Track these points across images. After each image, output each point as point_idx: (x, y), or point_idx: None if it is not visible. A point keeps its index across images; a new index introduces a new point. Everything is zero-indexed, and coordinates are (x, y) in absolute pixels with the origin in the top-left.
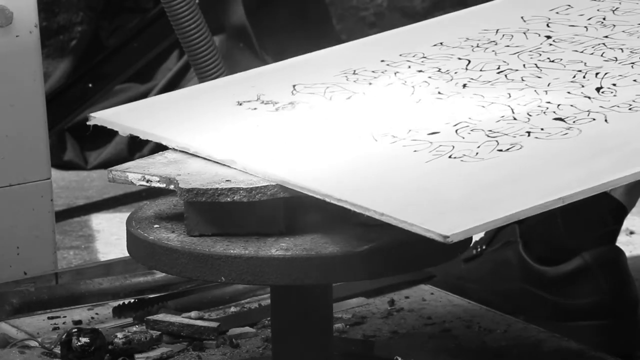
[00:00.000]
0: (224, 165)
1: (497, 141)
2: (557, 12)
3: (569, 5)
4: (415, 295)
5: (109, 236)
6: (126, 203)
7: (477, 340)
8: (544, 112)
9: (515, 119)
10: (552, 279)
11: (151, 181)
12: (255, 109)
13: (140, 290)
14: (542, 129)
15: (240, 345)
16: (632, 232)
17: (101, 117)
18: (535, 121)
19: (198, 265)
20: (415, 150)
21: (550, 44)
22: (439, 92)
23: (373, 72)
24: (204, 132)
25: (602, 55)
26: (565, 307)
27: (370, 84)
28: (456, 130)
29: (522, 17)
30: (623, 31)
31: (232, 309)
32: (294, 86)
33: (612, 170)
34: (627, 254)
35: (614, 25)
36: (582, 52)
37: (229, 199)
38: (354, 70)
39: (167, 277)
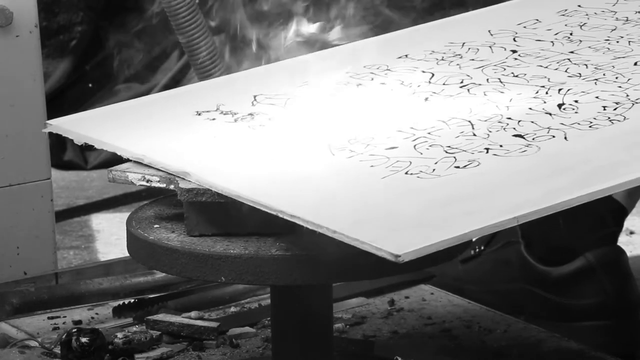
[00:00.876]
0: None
1: (455, 157)
2: (524, 27)
3: (537, 20)
4: (415, 295)
5: (109, 236)
6: (126, 203)
7: (477, 340)
8: (504, 129)
9: (474, 134)
10: (555, 280)
11: (151, 181)
12: (214, 119)
13: (140, 290)
14: (500, 146)
15: (240, 345)
16: (632, 232)
17: (57, 124)
18: (494, 137)
19: (198, 265)
20: (372, 166)
21: (516, 59)
22: (399, 106)
23: (336, 84)
24: (161, 143)
25: (566, 71)
26: (567, 308)
27: (331, 95)
28: (414, 146)
29: (489, 31)
30: (589, 47)
31: (232, 309)
32: (254, 97)
33: (570, 189)
34: (628, 254)
35: (581, 41)
36: (546, 67)
37: (229, 199)
38: (316, 81)
39: (167, 277)
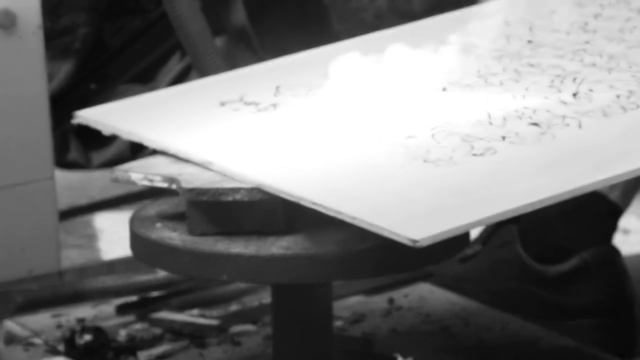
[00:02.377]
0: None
1: (472, 145)
2: (540, 17)
3: (553, 11)
4: (414, 294)
5: (112, 235)
6: (129, 202)
7: (475, 338)
8: (520, 117)
9: (491, 123)
10: (552, 278)
11: (153, 181)
12: (237, 109)
13: (143, 288)
14: (517, 134)
15: (242, 343)
16: (627, 232)
17: (87, 116)
18: (510, 126)
19: (200, 263)
20: (391, 154)
21: (531, 49)
22: (419, 95)
23: (357, 74)
24: (185, 133)
25: (581, 61)
26: (564, 306)
27: (352, 85)
28: (433, 135)
29: (506, 21)
30: (604, 37)
31: (234, 307)
32: (277, 87)
33: (583, 176)
34: (623, 252)
35: (595, 31)
36: (562, 57)
37: (230, 198)
38: (338, 72)
39: (170, 275)
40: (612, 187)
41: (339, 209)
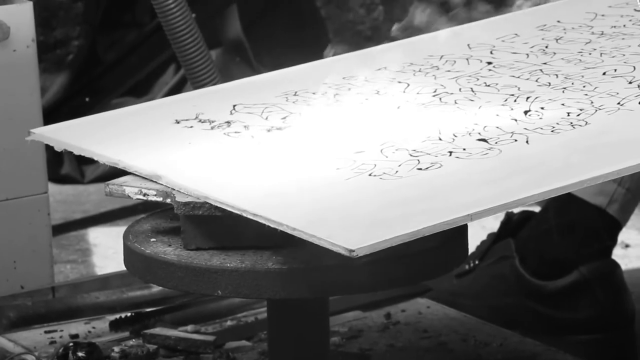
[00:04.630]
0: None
1: (418, 160)
2: (502, 40)
3: (516, 34)
4: (411, 309)
5: (106, 250)
6: (123, 217)
7: (473, 354)
8: (470, 134)
9: (440, 139)
10: (550, 293)
11: (148, 195)
12: (191, 127)
13: (137, 304)
14: (464, 149)
15: (237, 359)
16: (627, 246)
17: (40, 132)
18: (459, 142)
19: (195, 278)
20: (338, 168)
21: (490, 70)
22: (372, 114)
23: (313, 93)
24: (137, 148)
25: (536, 81)
26: (562, 321)
27: (308, 105)
28: (381, 150)
29: (468, 45)
30: (562, 58)
31: (229, 323)
32: (234, 106)
33: (525, 188)
34: (623, 267)
35: (555, 53)
36: (518, 77)
37: (225, 212)
38: (295, 92)
39: (164, 290)
40: (611, 201)
41: (280, 220)
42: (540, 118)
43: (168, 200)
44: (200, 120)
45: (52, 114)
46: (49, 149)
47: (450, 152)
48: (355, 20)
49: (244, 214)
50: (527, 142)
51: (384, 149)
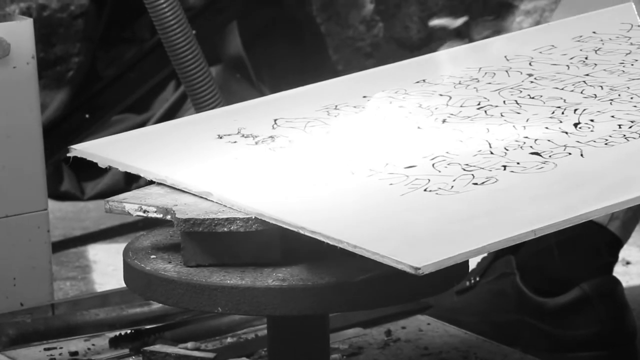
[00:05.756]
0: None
1: (472, 175)
2: (540, 52)
3: (553, 46)
4: (411, 326)
5: (106, 267)
6: (123, 234)
7: None
8: (521, 147)
9: (492, 153)
10: (551, 310)
11: (148, 212)
12: (235, 142)
13: (137, 321)
14: (518, 163)
15: None
16: (628, 263)
17: (82, 149)
18: (511, 155)
19: (195, 295)
20: (391, 184)
21: (532, 82)
22: (418, 127)
23: (354, 107)
24: (183, 165)
25: (582, 92)
26: (563, 338)
27: (351, 119)
28: (433, 164)
29: (505, 57)
30: (604, 69)
31: (229, 340)
32: (275, 120)
33: (585, 204)
34: (624, 284)
35: (595, 64)
36: (562, 89)
37: (225, 229)
38: (336, 106)
39: (164, 307)
40: (612, 218)
41: (339, 237)
42: (592, 131)
43: (168, 217)
44: (243, 135)
45: (53, 131)
46: (48, 166)
47: (505, 166)
48: (355, 37)
49: (302, 231)
50: (581, 155)
51: (436, 163)
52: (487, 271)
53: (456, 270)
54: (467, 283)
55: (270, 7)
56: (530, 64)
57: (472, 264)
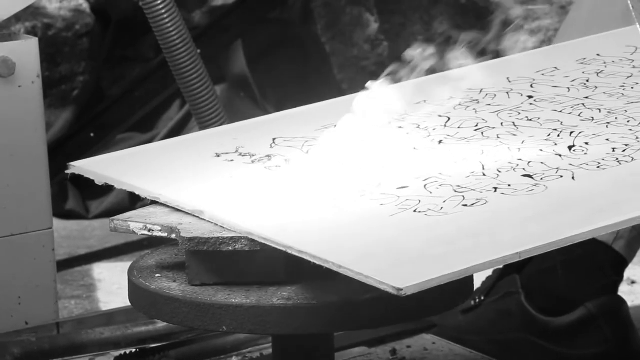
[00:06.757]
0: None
1: (463, 196)
2: (542, 74)
3: (556, 68)
4: (417, 345)
5: (111, 285)
6: (128, 252)
7: None
8: (514, 169)
9: (484, 174)
10: (556, 330)
11: (153, 230)
12: (232, 160)
13: (142, 339)
14: (509, 185)
15: None
16: (633, 282)
17: (80, 166)
18: (503, 177)
19: (200, 314)
20: (381, 204)
21: (531, 104)
22: (414, 148)
23: (353, 128)
24: (178, 182)
25: (579, 115)
26: (569, 358)
27: (348, 139)
28: (425, 185)
29: (507, 78)
30: (604, 92)
31: (234, 359)
32: (274, 139)
33: (573, 226)
34: (629, 303)
35: (596, 87)
36: (560, 111)
37: (230, 248)
38: (335, 125)
39: (169, 326)
40: (617, 237)
41: (325, 257)
42: (585, 154)
43: (173, 236)
44: (240, 154)
45: (58, 150)
46: (53, 184)
47: (496, 188)
48: (359, 56)
49: (289, 251)
50: (572, 178)
51: (428, 184)
52: (492, 290)
53: (460, 290)
54: (472, 302)
55: (274, 26)
56: (531, 85)
57: (477, 283)
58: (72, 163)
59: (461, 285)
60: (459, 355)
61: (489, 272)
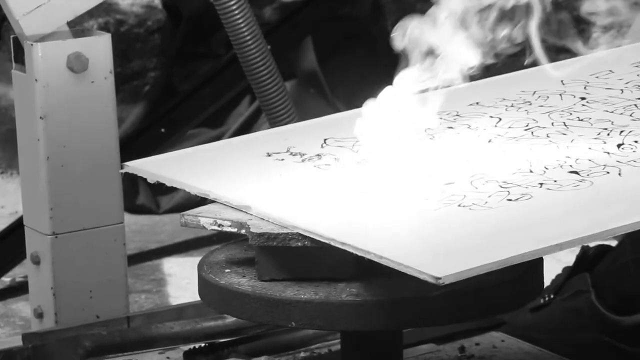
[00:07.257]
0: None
1: (508, 191)
2: (597, 77)
3: (611, 71)
4: (485, 342)
5: (180, 280)
6: (197, 247)
7: None
8: (561, 166)
9: (531, 171)
10: (627, 329)
11: (223, 226)
12: (282, 159)
13: (211, 334)
14: (555, 181)
15: None
16: None
17: (134, 166)
18: (550, 174)
19: (269, 310)
20: (426, 199)
21: (583, 105)
22: (463, 147)
23: (404, 127)
24: (228, 180)
25: (630, 115)
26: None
27: (398, 137)
28: (471, 182)
29: (561, 81)
30: None
31: (302, 354)
32: (325, 140)
33: (614, 219)
34: None
35: None
36: (612, 112)
37: (299, 244)
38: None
39: (238, 321)
40: None
41: (367, 248)
42: (634, 151)
43: (242, 231)
44: (291, 154)
45: (129, 145)
46: (124, 180)
47: (541, 184)
48: None
49: (332, 243)
50: (619, 174)
51: (474, 180)
52: (561, 288)
53: (531, 287)
54: (542, 300)
55: (345, 22)
56: (585, 87)
57: (547, 280)
58: (126, 163)
59: (531, 283)
60: (527, 353)
61: (558, 270)
